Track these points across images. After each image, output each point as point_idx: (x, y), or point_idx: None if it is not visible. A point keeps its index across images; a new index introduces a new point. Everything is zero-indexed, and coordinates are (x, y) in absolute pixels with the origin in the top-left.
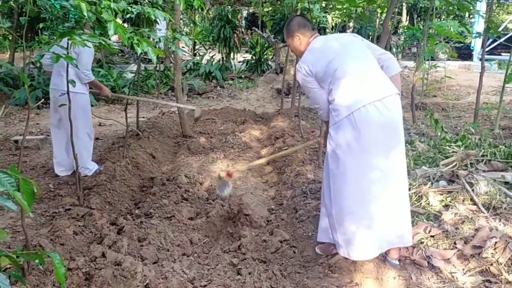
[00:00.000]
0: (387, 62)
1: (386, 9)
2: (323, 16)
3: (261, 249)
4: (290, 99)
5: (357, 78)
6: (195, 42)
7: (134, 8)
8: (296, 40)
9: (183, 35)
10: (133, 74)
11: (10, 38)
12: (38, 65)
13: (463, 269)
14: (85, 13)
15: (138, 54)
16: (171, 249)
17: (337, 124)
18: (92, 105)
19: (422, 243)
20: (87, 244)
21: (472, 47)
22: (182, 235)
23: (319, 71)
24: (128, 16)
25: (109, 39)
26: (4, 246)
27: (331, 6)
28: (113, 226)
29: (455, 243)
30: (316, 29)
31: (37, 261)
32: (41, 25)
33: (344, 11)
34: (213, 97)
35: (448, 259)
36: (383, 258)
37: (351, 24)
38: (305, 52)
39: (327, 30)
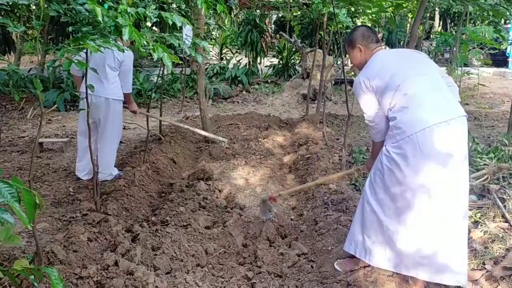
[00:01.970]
0: (449, 88)
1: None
2: (350, 21)
3: (278, 262)
4: (316, 105)
5: (423, 96)
6: (222, 46)
7: (152, 13)
8: (356, 51)
9: (203, 40)
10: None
11: (42, 41)
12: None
13: None
14: (99, 18)
15: (155, 59)
16: (185, 259)
17: (398, 143)
18: None
19: None
20: (100, 252)
21: (508, 53)
22: (197, 244)
23: (380, 85)
24: (155, 20)
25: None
26: (19, 251)
27: (361, 10)
28: (128, 233)
29: (484, 264)
30: (380, 42)
31: (32, 277)
32: (70, 29)
33: (373, 15)
34: (238, 102)
35: (476, 280)
36: (404, 277)
37: (379, 30)
38: (366, 65)
39: None
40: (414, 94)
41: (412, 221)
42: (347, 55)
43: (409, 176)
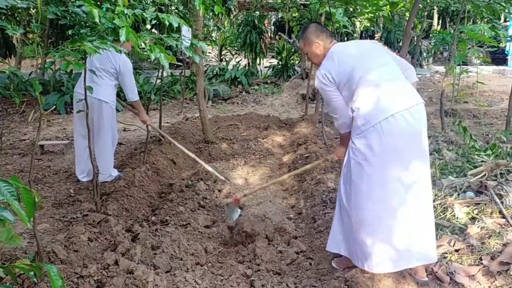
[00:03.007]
0: (406, 72)
1: None
2: (346, 21)
3: (276, 260)
4: (315, 105)
5: (384, 86)
6: (221, 48)
7: (148, 14)
8: (315, 47)
9: (200, 40)
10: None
11: (42, 45)
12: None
13: (489, 287)
14: (96, 19)
15: (152, 59)
16: (185, 258)
17: (363, 134)
18: (118, 110)
19: (445, 257)
20: (101, 251)
21: (507, 51)
22: (197, 243)
23: (342, 78)
24: (154, 22)
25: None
26: (20, 251)
27: (359, 10)
28: (128, 233)
29: (480, 259)
30: (333, 36)
31: (31, 273)
32: (70, 32)
33: (371, 15)
34: (238, 103)
35: (473, 275)
36: (401, 273)
37: (377, 30)
38: (325, 59)
39: (355, 35)
40: (375, 85)
41: (390, 214)
42: None
43: (378, 166)
